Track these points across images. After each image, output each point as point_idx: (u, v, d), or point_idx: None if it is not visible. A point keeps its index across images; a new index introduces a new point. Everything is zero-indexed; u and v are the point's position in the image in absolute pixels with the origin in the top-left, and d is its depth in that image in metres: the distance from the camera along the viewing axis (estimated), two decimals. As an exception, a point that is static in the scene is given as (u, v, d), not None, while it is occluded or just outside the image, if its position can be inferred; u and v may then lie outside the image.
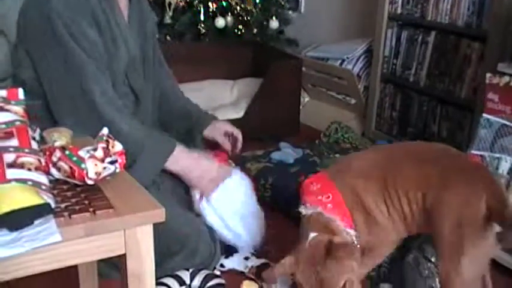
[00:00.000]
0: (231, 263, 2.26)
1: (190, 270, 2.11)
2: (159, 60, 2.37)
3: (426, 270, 2.16)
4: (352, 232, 1.87)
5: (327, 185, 1.91)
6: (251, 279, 2.17)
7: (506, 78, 2.21)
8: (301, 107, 3.74)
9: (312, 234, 1.82)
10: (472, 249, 1.74)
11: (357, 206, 1.88)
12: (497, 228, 1.74)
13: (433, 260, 2.16)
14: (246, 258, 2.27)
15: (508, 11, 2.30)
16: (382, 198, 1.87)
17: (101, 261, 1.81)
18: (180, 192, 2.23)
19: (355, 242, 1.88)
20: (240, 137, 2.39)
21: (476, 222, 1.75)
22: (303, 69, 3.71)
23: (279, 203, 2.76)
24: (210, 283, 2.07)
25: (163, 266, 2.03)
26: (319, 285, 1.74)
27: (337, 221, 1.85)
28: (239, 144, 2.40)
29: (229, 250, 2.30)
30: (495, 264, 2.15)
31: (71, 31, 1.89)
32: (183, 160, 2.10)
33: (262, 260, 2.26)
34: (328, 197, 1.89)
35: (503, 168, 2.15)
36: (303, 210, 1.92)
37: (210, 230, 2.20)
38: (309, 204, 1.91)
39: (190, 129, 2.36)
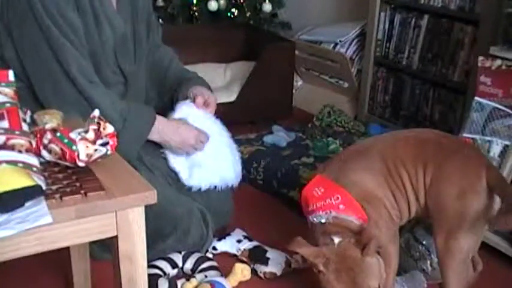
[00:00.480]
0: (224, 245, 2.26)
1: (183, 252, 2.11)
2: (154, 40, 2.36)
3: (417, 253, 2.18)
4: None
5: (331, 187, 1.87)
6: (243, 261, 2.18)
7: (499, 62, 2.21)
8: (294, 91, 3.74)
9: (337, 239, 1.78)
10: (472, 220, 1.78)
11: (367, 201, 1.85)
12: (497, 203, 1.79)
13: (424, 242, 2.17)
14: (239, 241, 2.27)
15: (500, -6, 2.31)
16: (387, 186, 1.87)
17: (93, 243, 1.82)
18: (171, 173, 2.22)
19: None
20: (213, 103, 2.32)
21: (478, 193, 1.78)
22: (296, 52, 3.71)
23: (271, 185, 2.77)
24: (203, 265, 2.08)
25: (156, 248, 2.04)
26: (352, 285, 1.74)
27: (354, 220, 1.83)
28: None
29: (222, 233, 2.31)
30: (483, 245, 2.18)
31: (50, 11, 1.88)
32: (163, 130, 2.12)
33: (255, 243, 2.26)
34: (338, 198, 1.85)
35: (494, 151, 2.17)
36: (316, 218, 1.87)
37: (202, 212, 2.20)
38: (321, 211, 1.86)
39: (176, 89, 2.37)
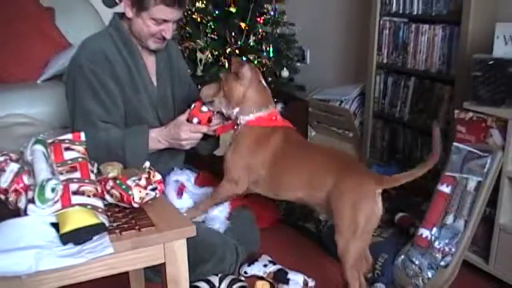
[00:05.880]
0: (253, 269, 2.27)
1: (219, 275, 2.11)
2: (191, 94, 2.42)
3: (411, 271, 2.17)
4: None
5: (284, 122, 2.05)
6: (270, 282, 2.18)
7: (470, 114, 2.21)
8: (308, 140, 3.76)
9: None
10: (363, 225, 1.80)
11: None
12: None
13: (417, 262, 2.17)
14: (265, 265, 2.28)
15: (469, 61, 2.32)
16: None
17: (147, 268, 1.85)
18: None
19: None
20: None
21: (369, 204, 1.80)
22: (309, 109, 3.73)
23: (291, 219, 2.79)
24: (235, 286, 2.08)
25: (196, 271, 2.05)
26: None
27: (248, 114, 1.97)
28: None
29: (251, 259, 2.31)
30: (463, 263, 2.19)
31: (88, 76, 2.01)
32: (159, 137, 2.08)
33: (278, 266, 2.27)
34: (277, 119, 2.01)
35: (470, 186, 2.15)
36: None
37: (236, 245, 2.19)
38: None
39: None
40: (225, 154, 2.01)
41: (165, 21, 2.05)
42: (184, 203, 2.12)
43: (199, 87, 3.74)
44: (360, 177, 1.84)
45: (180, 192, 2.09)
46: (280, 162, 1.93)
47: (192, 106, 2.06)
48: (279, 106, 2.10)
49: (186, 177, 2.21)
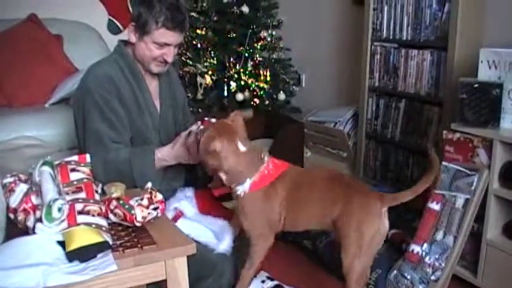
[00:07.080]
0: (251, 286, 2.24)
1: None
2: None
3: (404, 286, 2.17)
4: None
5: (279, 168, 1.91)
6: (266, 296, 2.18)
7: (458, 135, 2.24)
8: (304, 160, 3.76)
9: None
10: (368, 244, 1.79)
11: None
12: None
13: (408, 277, 2.17)
14: (263, 281, 2.24)
15: (456, 84, 2.35)
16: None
17: (149, 284, 1.84)
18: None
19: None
20: None
21: (374, 223, 1.79)
22: (305, 130, 3.74)
23: (289, 236, 2.78)
24: (234, 301, 2.06)
25: (197, 287, 2.00)
26: None
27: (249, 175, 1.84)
28: None
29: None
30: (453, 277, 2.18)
31: (104, 102, 2.02)
32: (166, 157, 2.03)
33: (276, 282, 2.24)
34: (271, 170, 1.88)
35: (459, 203, 2.16)
36: None
37: (235, 263, 2.12)
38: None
39: None
40: (241, 221, 1.95)
41: (167, 44, 2.07)
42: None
43: (199, 110, 3.82)
44: (365, 197, 1.82)
45: (175, 219, 2.07)
46: (292, 203, 1.90)
47: None
48: (265, 150, 2.00)
49: (187, 202, 2.19)
